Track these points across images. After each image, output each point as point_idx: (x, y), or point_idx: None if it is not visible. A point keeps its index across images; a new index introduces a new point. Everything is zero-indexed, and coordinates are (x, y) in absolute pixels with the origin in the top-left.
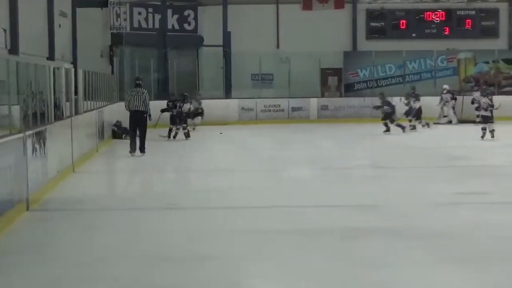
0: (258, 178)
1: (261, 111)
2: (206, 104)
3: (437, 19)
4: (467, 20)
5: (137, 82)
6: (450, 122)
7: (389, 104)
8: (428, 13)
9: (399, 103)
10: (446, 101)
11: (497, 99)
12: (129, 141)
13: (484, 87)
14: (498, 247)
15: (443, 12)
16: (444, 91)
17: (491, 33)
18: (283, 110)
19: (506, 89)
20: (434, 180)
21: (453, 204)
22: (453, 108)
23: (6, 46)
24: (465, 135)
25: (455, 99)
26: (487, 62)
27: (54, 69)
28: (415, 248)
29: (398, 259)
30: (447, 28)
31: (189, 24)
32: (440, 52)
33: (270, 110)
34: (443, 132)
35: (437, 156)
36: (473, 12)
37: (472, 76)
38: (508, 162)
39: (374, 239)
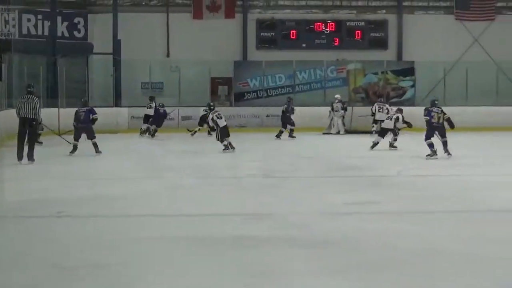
0: (149, 186)
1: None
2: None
3: (327, 30)
4: (356, 31)
5: (29, 89)
6: (338, 132)
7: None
8: (318, 23)
9: None
10: (336, 111)
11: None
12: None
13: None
14: (386, 255)
15: (333, 23)
16: (336, 101)
17: (380, 44)
18: (173, 119)
19: (394, 100)
20: (327, 189)
21: (345, 213)
22: (343, 118)
23: None
24: (357, 145)
25: (345, 109)
26: (376, 73)
27: None
28: (308, 257)
29: (291, 268)
30: (337, 39)
31: (79, 31)
32: (330, 62)
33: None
34: (336, 142)
35: (329, 166)
36: (363, 24)
37: (361, 86)
38: (400, 172)
39: (267, 248)
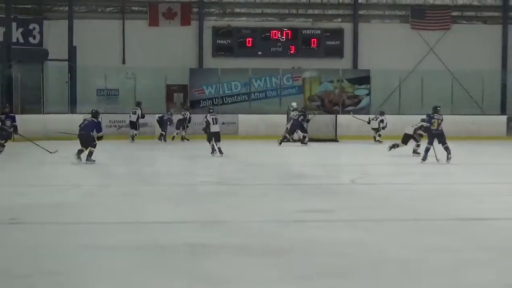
0: (102, 193)
1: (106, 126)
2: (51, 118)
3: (283, 37)
4: (312, 40)
5: None
6: (295, 140)
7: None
8: (274, 31)
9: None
10: (292, 118)
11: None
12: None
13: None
14: (339, 264)
15: (289, 31)
16: (291, 109)
17: (336, 52)
18: (128, 126)
19: (350, 108)
20: (281, 197)
21: (298, 221)
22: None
23: None
24: (312, 154)
25: (305, 115)
26: (332, 82)
27: None
28: (262, 265)
29: (245, 277)
30: (293, 47)
31: (34, 37)
32: (285, 70)
33: (115, 126)
34: (291, 150)
35: (284, 174)
36: (319, 32)
37: (317, 95)
38: (353, 180)
39: (220, 256)
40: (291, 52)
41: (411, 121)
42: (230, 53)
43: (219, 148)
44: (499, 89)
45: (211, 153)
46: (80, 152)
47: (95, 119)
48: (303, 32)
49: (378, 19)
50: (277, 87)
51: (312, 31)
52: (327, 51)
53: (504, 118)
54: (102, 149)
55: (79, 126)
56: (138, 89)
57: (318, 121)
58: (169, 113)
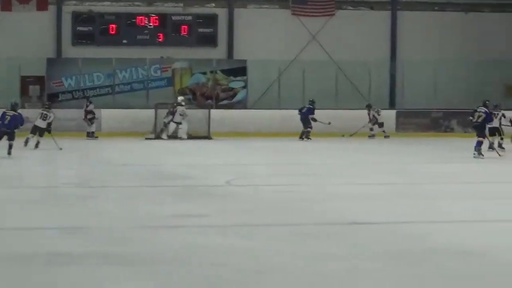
0: None
1: None
2: None
3: (151, 24)
4: (183, 27)
5: None
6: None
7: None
8: (140, 17)
9: None
10: (181, 115)
11: None
12: None
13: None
14: (215, 273)
15: (157, 17)
16: (175, 104)
17: (209, 41)
18: None
19: (224, 102)
20: (150, 200)
21: (170, 227)
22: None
23: None
24: (184, 152)
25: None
26: (205, 73)
27: None
28: (131, 275)
29: (112, 287)
30: (162, 35)
31: None
32: (153, 61)
33: None
34: (162, 148)
35: (154, 174)
36: (190, 18)
37: (188, 87)
38: (229, 182)
39: (83, 266)
40: (160, 40)
41: (293, 116)
42: (92, 42)
43: (36, 144)
44: (388, 81)
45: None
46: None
47: (16, 113)
48: (173, 19)
49: (256, 4)
50: (144, 79)
51: (183, 17)
52: (199, 40)
53: (393, 112)
54: None
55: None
56: None
57: (190, 117)
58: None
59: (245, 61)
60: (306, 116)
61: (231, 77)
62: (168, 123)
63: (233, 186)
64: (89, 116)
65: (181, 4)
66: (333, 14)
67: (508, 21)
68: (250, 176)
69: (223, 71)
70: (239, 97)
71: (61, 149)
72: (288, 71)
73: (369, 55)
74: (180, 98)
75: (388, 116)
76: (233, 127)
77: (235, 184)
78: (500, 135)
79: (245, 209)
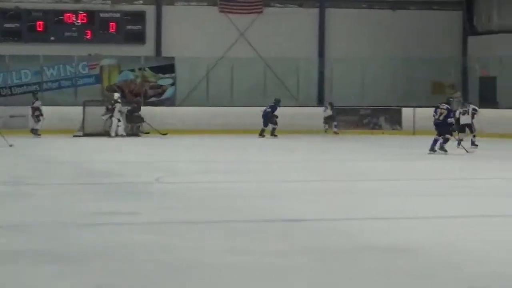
0: None
1: None
2: None
3: (78, 21)
4: (111, 24)
5: None
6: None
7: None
8: (68, 14)
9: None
10: (120, 111)
11: None
12: None
13: None
14: (138, 271)
15: (85, 14)
16: (113, 101)
17: (137, 38)
18: None
19: (153, 99)
20: (78, 197)
21: (99, 224)
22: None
23: None
24: (114, 149)
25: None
26: (133, 70)
27: None
28: (61, 274)
29: (36, 286)
30: (89, 32)
31: None
32: (81, 58)
33: None
34: (90, 145)
35: (81, 172)
36: (118, 15)
37: (116, 84)
38: (158, 179)
39: (12, 265)
40: (88, 37)
41: (222, 114)
42: (19, 38)
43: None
44: (316, 78)
45: None
46: None
47: None
48: (101, 16)
49: (184, 1)
50: (72, 76)
51: (111, 14)
52: (127, 37)
53: (321, 110)
54: None
55: None
56: None
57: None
58: None
59: (173, 58)
60: (267, 114)
61: (160, 74)
62: (107, 120)
63: (163, 184)
64: (36, 113)
65: (109, 1)
66: (261, 12)
67: (434, 19)
68: (179, 173)
69: (151, 68)
70: (167, 94)
71: (11, 145)
72: (216, 68)
73: (297, 52)
74: (116, 95)
75: (317, 114)
76: (163, 123)
77: (163, 181)
78: (472, 132)
79: (173, 206)
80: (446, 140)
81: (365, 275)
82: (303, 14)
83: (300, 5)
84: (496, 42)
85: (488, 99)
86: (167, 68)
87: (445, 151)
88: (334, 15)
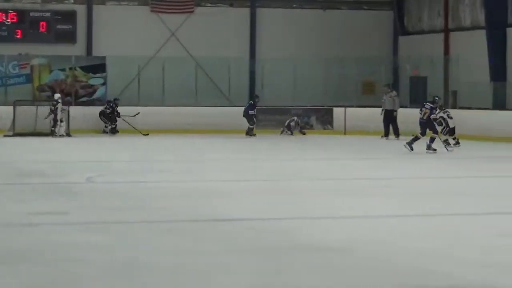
0: None
1: None
2: None
3: (9, 21)
4: (41, 23)
5: None
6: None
7: None
8: None
9: None
10: (63, 110)
11: None
12: None
13: None
14: (74, 271)
15: (15, 13)
16: (54, 102)
17: (68, 37)
18: None
19: (84, 99)
20: (8, 198)
21: (30, 225)
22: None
23: None
24: (43, 149)
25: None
26: (64, 70)
27: None
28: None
29: None
30: (20, 31)
31: None
32: (11, 57)
33: None
34: (19, 145)
35: (10, 172)
36: (48, 15)
37: (47, 84)
38: (89, 178)
39: None
40: (18, 36)
41: (154, 113)
42: None
43: None
44: (247, 78)
45: None
46: None
47: None
48: (31, 15)
49: (115, 1)
50: (2, 75)
51: (42, 13)
52: (58, 36)
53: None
54: None
55: None
56: None
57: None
58: None
59: (104, 57)
60: (247, 112)
61: (91, 74)
62: (50, 121)
63: (95, 183)
64: None
65: (39, 1)
66: (193, 11)
67: (365, 19)
68: (111, 173)
69: (82, 67)
70: (98, 93)
71: None
72: (147, 67)
73: (229, 52)
74: (57, 95)
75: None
76: (94, 125)
77: (95, 181)
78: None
79: (105, 206)
80: (432, 140)
81: (300, 274)
82: (234, 13)
83: (231, 5)
84: (426, 42)
85: (419, 99)
86: (98, 67)
87: (434, 150)
88: (265, 15)
